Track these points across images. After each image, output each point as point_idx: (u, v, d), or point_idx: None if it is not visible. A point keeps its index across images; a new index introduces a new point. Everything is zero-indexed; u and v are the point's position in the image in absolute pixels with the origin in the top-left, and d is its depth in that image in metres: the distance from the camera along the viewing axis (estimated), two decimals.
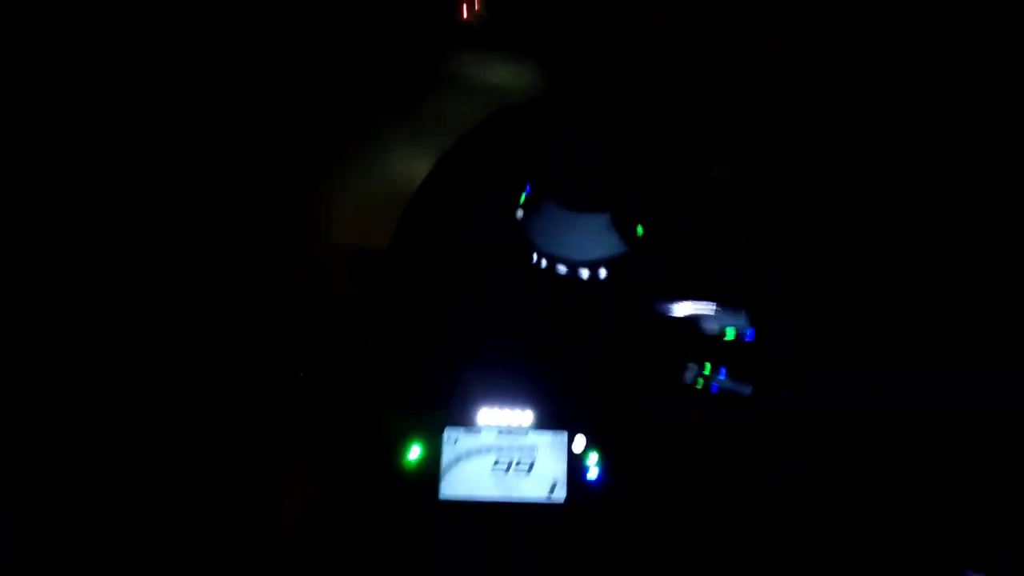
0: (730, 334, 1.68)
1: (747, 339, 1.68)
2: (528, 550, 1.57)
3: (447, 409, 1.62)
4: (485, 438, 1.60)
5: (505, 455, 1.59)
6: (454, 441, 1.59)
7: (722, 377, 1.64)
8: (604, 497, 1.59)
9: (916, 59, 1.78)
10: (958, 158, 1.77)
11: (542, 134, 1.81)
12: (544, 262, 1.73)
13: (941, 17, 1.76)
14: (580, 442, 1.60)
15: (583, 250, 1.74)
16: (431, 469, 1.58)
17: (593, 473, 1.60)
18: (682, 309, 1.71)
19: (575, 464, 1.59)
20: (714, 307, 1.69)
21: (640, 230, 1.73)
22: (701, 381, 1.65)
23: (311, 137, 1.79)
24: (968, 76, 1.77)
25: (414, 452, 1.58)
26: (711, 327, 1.69)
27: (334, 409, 1.62)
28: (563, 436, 1.60)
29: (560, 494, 1.58)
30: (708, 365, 1.65)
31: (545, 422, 1.61)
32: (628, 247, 1.73)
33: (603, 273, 1.72)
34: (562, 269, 1.73)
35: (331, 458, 1.60)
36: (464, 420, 1.61)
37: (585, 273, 1.72)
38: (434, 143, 1.84)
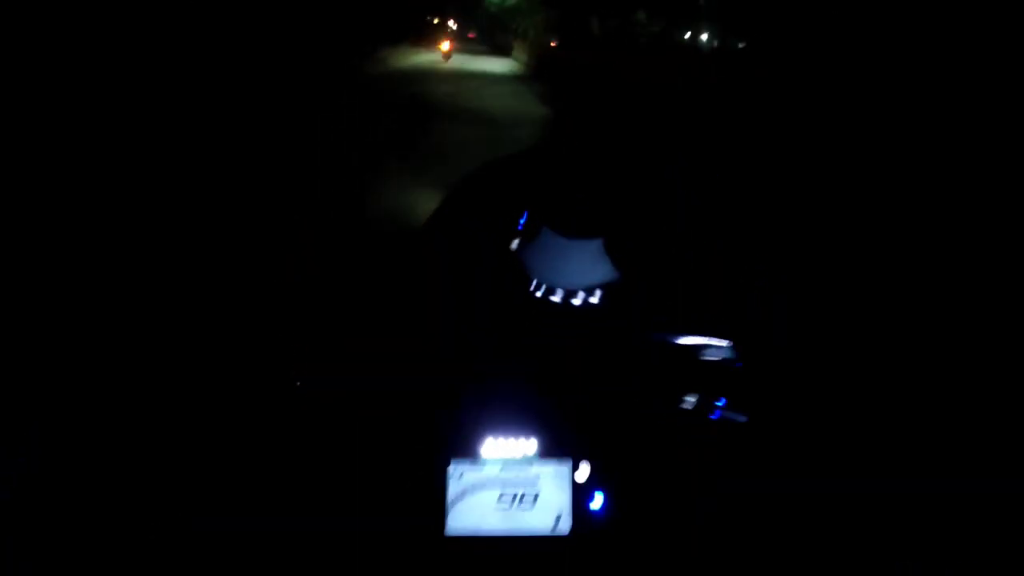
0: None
1: (737, 366, 1.70)
2: None
3: (451, 442, 1.62)
4: (489, 471, 1.60)
5: (510, 488, 1.59)
6: (459, 475, 1.59)
7: (722, 403, 1.66)
8: (608, 527, 1.61)
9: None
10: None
11: (539, 162, 1.82)
12: (540, 291, 1.74)
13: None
14: (584, 471, 1.62)
15: (578, 278, 1.75)
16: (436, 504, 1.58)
17: (597, 503, 1.61)
18: (677, 336, 1.72)
19: (579, 494, 1.60)
20: (707, 337, 1.71)
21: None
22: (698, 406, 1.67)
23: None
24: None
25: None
26: (705, 354, 1.71)
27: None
28: (567, 465, 1.61)
29: (565, 526, 1.59)
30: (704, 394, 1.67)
31: (548, 451, 1.62)
32: (621, 274, 1.74)
33: (597, 300, 1.73)
34: (557, 297, 1.74)
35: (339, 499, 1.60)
36: (468, 453, 1.61)
37: (579, 301, 1.73)
38: (430, 171, 1.84)
